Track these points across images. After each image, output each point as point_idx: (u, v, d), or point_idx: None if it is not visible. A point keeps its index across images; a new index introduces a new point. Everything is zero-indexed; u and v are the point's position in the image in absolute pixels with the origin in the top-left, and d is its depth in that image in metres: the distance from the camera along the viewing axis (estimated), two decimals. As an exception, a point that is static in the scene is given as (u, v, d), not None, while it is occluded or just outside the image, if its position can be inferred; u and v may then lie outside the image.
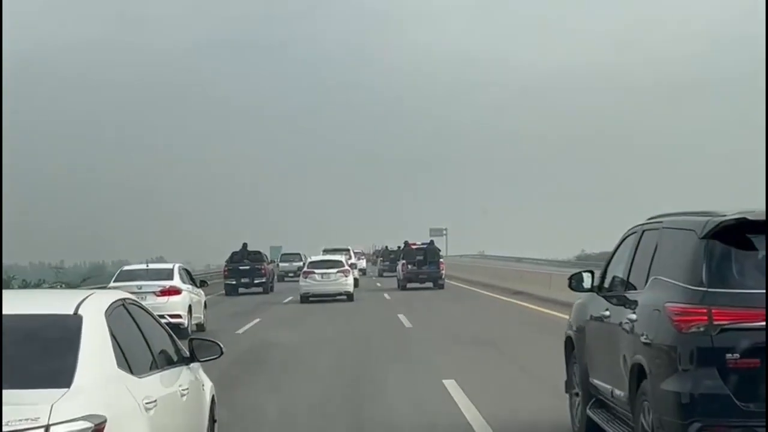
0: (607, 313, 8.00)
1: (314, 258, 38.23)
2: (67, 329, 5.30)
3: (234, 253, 42.83)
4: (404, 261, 43.37)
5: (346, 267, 35.76)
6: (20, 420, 4.50)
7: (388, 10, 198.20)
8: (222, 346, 7.26)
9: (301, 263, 50.21)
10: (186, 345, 7.11)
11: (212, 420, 7.58)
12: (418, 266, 42.69)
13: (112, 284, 22.23)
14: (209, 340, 7.35)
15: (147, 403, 5.44)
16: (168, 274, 22.67)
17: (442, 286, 42.10)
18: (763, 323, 6.01)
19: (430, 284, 42.29)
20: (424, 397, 11.94)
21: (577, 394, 9.21)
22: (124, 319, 6.00)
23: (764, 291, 6.07)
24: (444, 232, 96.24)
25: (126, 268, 24.86)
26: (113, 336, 5.51)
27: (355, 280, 39.07)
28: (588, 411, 8.71)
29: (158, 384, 5.94)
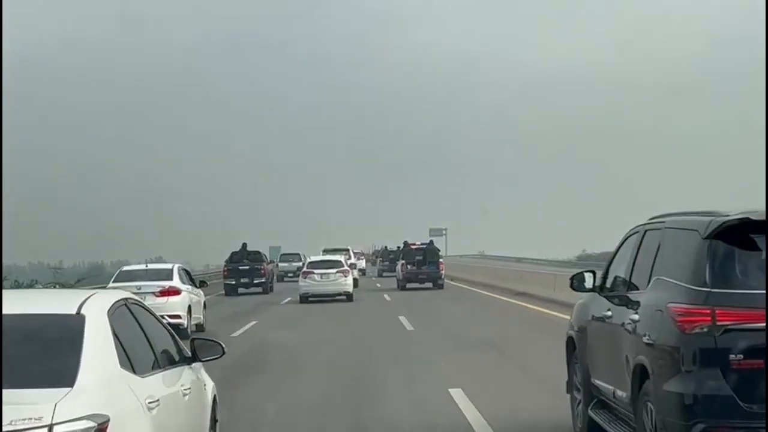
0: (609, 313, 7.98)
1: (314, 258, 38.22)
2: (70, 329, 5.31)
3: (233, 253, 42.82)
4: (404, 261, 43.39)
5: (346, 267, 35.75)
6: (24, 419, 4.51)
7: (388, 10, 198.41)
8: (224, 345, 7.28)
9: (300, 263, 50.18)
10: (187, 345, 7.12)
11: (214, 420, 7.58)
12: (418, 266, 42.69)
13: (111, 285, 22.18)
14: (211, 340, 7.38)
15: (149, 403, 5.44)
16: (167, 275, 22.64)
17: (441, 286, 42.10)
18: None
19: (429, 284, 42.29)
20: (429, 408, 11.28)
21: (578, 395, 9.20)
22: (127, 319, 6.00)
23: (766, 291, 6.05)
24: (444, 232, 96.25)
25: (125, 268, 24.85)
26: (116, 335, 5.51)
27: (355, 280, 39.08)
28: (590, 412, 8.70)
29: (160, 384, 5.94)
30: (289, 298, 36.24)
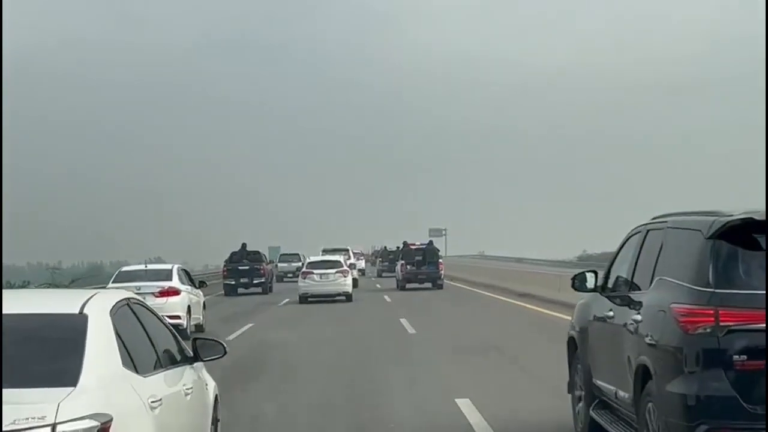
0: (611, 313, 7.96)
1: (313, 258, 38.20)
2: (73, 328, 5.32)
3: (233, 254, 42.81)
4: (403, 261, 43.39)
5: (345, 267, 35.74)
6: (27, 419, 4.51)
7: (388, 10, 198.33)
8: (225, 345, 7.28)
9: (300, 264, 50.14)
10: (188, 345, 7.12)
11: (215, 419, 7.59)
12: (417, 266, 42.69)
13: (110, 285, 22.11)
14: (213, 340, 7.38)
15: (152, 402, 5.45)
16: (167, 275, 22.61)
17: (441, 287, 42.09)
18: None
19: (428, 284, 42.26)
20: (436, 420, 10.64)
21: (579, 395, 9.18)
22: (129, 319, 6.00)
23: None
24: (443, 232, 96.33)
25: (125, 268, 24.83)
26: (118, 335, 5.52)
27: (354, 280, 39.10)
28: (591, 412, 8.68)
29: (163, 383, 5.95)
30: (286, 300, 35.90)
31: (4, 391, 4.65)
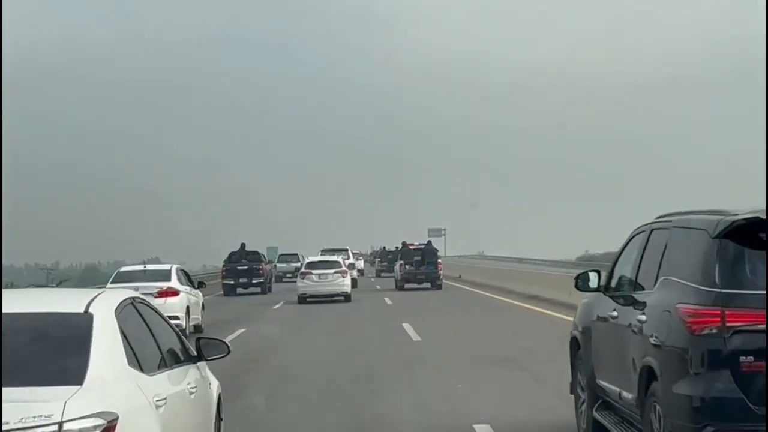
0: (615, 313, 7.93)
1: (312, 258, 38.14)
2: (79, 327, 5.33)
3: (232, 254, 42.83)
4: (402, 261, 43.38)
5: (344, 268, 35.66)
6: (34, 417, 4.53)
7: (388, 11, 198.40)
8: (229, 344, 7.29)
9: (298, 264, 50.13)
10: (192, 344, 7.13)
11: (219, 418, 7.60)
12: (416, 267, 42.70)
13: (109, 285, 22.07)
14: (216, 339, 7.40)
15: (157, 401, 5.46)
16: (165, 276, 22.59)
17: (440, 287, 42.05)
18: None
19: (427, 285, 42.23)
20: None
21: (582, 396, 9.15)
22: (134, 318, 6.02)
23: None
24: (443, 232, 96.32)
25: (123, 269, 24.78)
26: (123, 334, 5.53)
27: (353, 280, 39.08)
28: (594, 413, 8.64)
29: (167, 382, 5.96)
30: (281, 303, 35.06)
31: (11, 389, 4.66)
